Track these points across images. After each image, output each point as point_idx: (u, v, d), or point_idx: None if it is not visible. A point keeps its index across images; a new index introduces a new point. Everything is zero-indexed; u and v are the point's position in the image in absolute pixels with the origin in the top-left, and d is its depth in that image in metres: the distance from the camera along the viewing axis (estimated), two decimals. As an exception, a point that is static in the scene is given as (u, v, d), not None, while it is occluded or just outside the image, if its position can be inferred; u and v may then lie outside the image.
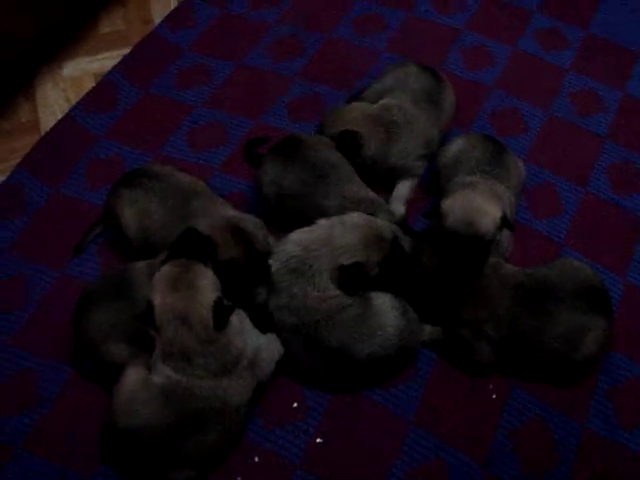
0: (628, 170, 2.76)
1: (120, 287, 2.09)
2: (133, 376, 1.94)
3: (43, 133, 2.84)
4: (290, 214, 2.40)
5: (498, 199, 2.21)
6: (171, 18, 3.24)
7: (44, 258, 2.47)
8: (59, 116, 2.90)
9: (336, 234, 2.10)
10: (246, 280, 2.11)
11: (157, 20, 3.26)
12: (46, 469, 2.05)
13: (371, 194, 2.39)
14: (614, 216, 2.63)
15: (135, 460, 1.95)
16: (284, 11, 3.28)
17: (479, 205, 2.13)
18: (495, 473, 2.08)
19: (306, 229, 2.16)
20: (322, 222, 2.16)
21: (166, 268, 1.91)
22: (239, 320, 1.97)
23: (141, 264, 2.14)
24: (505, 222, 2.14)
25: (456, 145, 2.49)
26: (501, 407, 2.19)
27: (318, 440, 2.12)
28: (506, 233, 2.27)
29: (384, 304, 2.13)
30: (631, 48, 3.18)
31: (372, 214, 2.23)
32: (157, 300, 1.86)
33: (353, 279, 2.08)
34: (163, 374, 1.90)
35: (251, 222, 2.15)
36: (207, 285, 1.89)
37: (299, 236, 2.14)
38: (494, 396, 2.21)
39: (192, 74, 3.03)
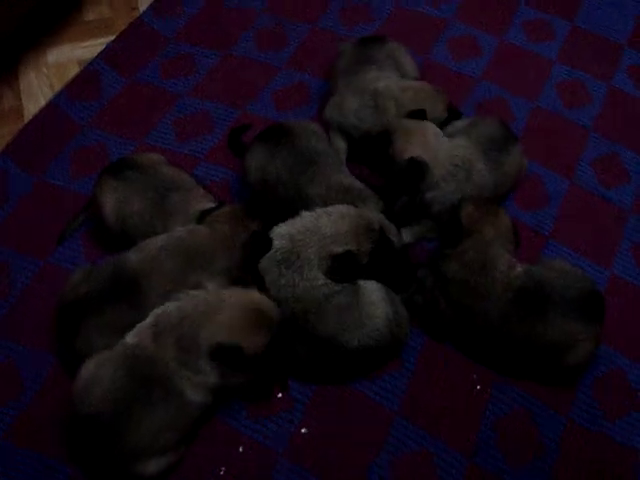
0: (613, 162, 2.77)
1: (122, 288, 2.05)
2: (90, 364, 1.88)
3: (27, 121, 2.81)
4: (275, 202, 2.38)
5: (428, 146, 2.33)
6: (157, 6, 3.21)
7: (27, 247, 2.45)
8: (43, 103, 2.87)
9: (323, 224, 2.09)
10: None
11: (143, 8, 3.23)
12: (28, 459, 2.04)
13: (358, 183, 2.37)
14: (599, 208, 2.64)
15: (99, 448, 1.86)
16: (269, 0, 3.26)
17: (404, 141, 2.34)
18: (479, 464, 2.09)
19: (289, 221, 2.15)
20: (305, 214, 2.15)
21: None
22: None
23: (133, 256, 2.09)
24: (412, 165, 2.29)
25: None
26: (485, 398, 2.19)
27: (303, 430, 2.12)
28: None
29: (373, 294, 2.13)
30: (616, 40, 3.19)
31: (361, 202, 2.25)
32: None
33: (344, 267, 2.08)
34: (137, 335, 1.89)
35: None
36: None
37: (283, 229, 2.13)
38: (478, 387, 2.21)
39: (177, 63, 3.01)
